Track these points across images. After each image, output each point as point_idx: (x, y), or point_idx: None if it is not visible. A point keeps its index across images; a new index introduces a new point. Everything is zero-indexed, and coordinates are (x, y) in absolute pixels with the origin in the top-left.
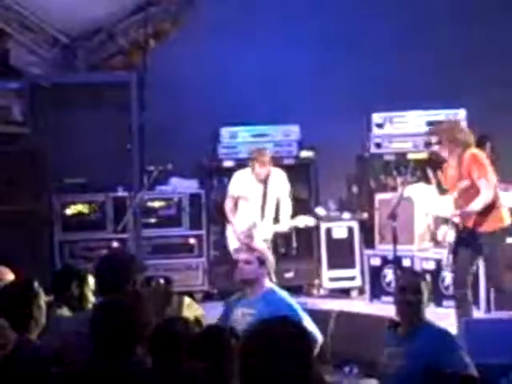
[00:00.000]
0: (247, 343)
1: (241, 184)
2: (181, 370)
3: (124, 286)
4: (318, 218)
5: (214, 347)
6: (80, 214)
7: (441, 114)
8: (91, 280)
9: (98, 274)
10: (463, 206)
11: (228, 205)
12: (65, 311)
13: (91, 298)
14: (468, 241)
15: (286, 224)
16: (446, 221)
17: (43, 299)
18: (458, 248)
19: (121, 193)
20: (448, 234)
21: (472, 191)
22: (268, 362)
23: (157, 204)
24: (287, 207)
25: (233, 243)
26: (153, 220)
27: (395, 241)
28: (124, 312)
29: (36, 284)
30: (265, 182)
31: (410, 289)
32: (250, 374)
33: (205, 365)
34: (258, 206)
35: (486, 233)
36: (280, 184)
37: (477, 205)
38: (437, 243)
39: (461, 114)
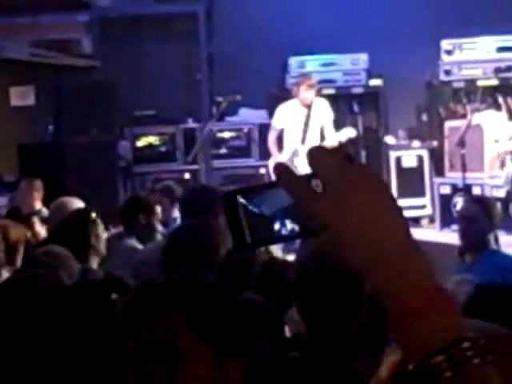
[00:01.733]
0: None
1: (283, 115)
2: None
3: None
4: (387, 146)
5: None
6: (151, 145)
7: (511, 40)
8: (158, 210)
9: (184, 201)
10: None
11: (271, 138)
12: (134, 241)
13: (159, 228)
14: None
15: (329, 140)
16: None
17: (101, 228)
18: None
19: (191, 124)
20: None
21: None
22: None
23: (226, 135)
24: (331, 137)
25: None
26: (223, 151)
27: (464, 168)
28: (198, 239)
29: (94, 213)
30: (308, 108)
31: (466, 217)
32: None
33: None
34: (299, 132)
35: None
36: (323, 112)
37: None
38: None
39: None
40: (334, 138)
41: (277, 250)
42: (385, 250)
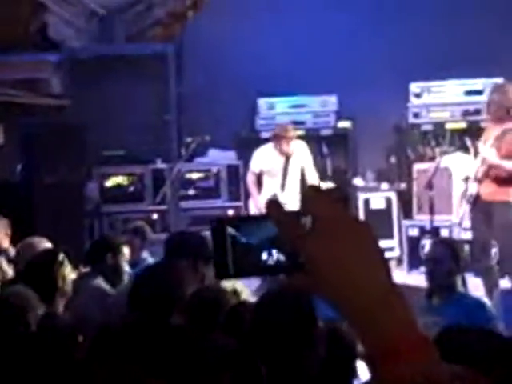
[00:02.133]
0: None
1: (262, 159)
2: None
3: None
4: (356, 188)
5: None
6: (119, 185)
7: (479, 83)
8: (126, 251)
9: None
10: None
11: (249, 179)
12: (100, 281)
13: (126, 269)
14: (483, 210)
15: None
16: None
17: (69, 269)
18: (476, 218)
19: (159, 164)
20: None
21: None
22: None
23: (195, 176)
24: (313, 177)
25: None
26: (191, 192)
27: (432, 211)
28: (163, 279)
29: (62, 254)
30: (287, 155)
31: (433, 259)
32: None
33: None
34: (279, 179)
35: (500, 202)
36: (302, 155)
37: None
38: None
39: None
40: (315, 181)
41: (244, 290)
42: (369, 295)
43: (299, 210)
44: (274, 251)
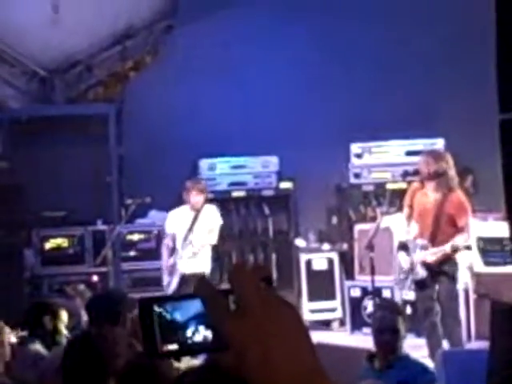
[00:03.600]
0: None
1: (173, 220)
2: None
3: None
4: (298, 249)
5: None
6: (59, 247)
7: (419, 144)
8: (64, 314)
9: (88, 308)
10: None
11: (164, 242)
12: (38, 346)
13: (64, 332)
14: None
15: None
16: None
17: (6, 336)
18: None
19: (100, 226)
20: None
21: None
22: None
23: (136, 237)
24: (210, 239)
25: (165, 278)
26: (132, 253)
27: (373, 272)
28: (94, 346)
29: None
30: (197, 212)
31: (387, 329)
32: None
33: None
34: (184, 231)
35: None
36: (211, 217)
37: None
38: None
39: (439, 144)
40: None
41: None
42: (290, 375)
43: (228, 289)
44: (202, 327)
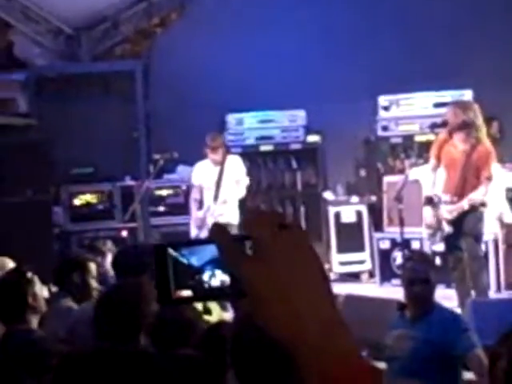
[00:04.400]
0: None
1: (199, 173)
2: (179, 358)
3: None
4: (326, 202)
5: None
6: (88, 203)
7: (447, 96)
8: (93, 268)
9: (115, 261)
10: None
11: (192, 195)
12: (68, 301)
13: (94, 285)
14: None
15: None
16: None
17: (39, 287)
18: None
19: (128, 182)
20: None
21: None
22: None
23: (164, 192)
24: (241, 192)
25: (193, 231)
26: (161, 208)
27: (402, 223)
28: (127, 299)
29: (30, 273)
30: (220, 166)
31: (419, 280)
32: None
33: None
34: (212, 190)
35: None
36: (235, 169)
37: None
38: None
39: (467, 95)
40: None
41: (216, 307)
42: (309, 323)
43: (243, 234)
44: (219, 272)
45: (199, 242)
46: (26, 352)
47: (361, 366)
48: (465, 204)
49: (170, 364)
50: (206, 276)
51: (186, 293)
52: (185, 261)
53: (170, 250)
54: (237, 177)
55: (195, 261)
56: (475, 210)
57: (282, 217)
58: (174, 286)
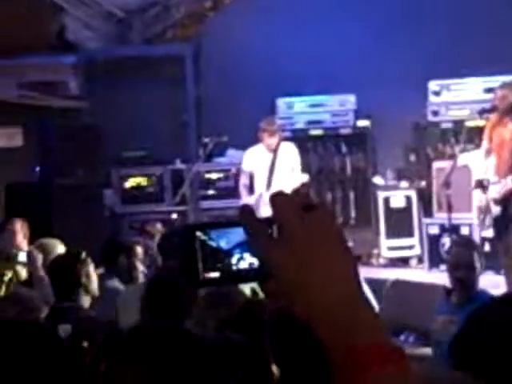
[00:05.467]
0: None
1: (251, 159)
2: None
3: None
4: (375, 187)
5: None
6: (138, 186)
7: (498, 81)
8: (139, 251)
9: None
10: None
11: (241, 180)
12: (116, 282)
13: (140, 268)
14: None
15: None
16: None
17: (92, 268)
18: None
19: (179, 165)
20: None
21: None
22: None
23: (214, 176)
24: (298, 180)
25: None
26: (211, 192)
27: (450, 209)
28: (175, 282)
29: (83, 253)
30: (274, 152)
31: (463, 265)
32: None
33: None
34: (265, 177)
35: None
36: (289, 156)
37: None
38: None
39: None
40: (288, 184)
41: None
42: (332, 301)
43: (271, 218)
44: (247, 255)
45: (228, 224)
46: (73, 329)
47: (389, 347)
48: (509, 181)
49: (217, 346)
50: (234, 259)
51: (214, 274)
52: (213, 244)
53: (199, 233)
54: (292, 164)
55: (224, 244)
56: None
57: (308, 198)
58: (202, 269)
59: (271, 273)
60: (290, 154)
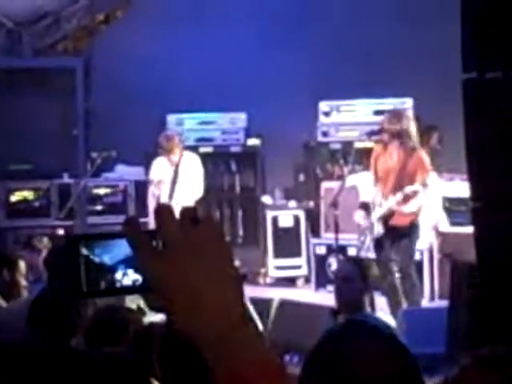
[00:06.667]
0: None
1: (156, 168)
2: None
3: None
4: (264, 206)
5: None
6: (25, 200)
7: (388, 103)
8: (22, 266)
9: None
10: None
11: (150, 191)
12: None
13: (23, 284)
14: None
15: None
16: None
17: None
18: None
19: (66, 179)
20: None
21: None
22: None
23: (102, 191)
24: (197, 192)
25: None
26: (99, 207)
27: (337, 229)
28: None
29: None
30: (176, 166)
31: (341, 277)
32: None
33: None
34: (168, 187)
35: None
36: (192, 167)
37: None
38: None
39: (408, 103)
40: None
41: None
42: (217, 320)
43: (155, 230)
44: (130, 271)
45: (112, 235)
46: None
47: (272, 365)
48: (397, 197)
49: (95, 361)
50: (118, 275)
51: (98, 287)
52: (97, 259)
53: (82, 247)
54: (194, 175)
55: (107, 259)
56: (412, 226)
57: (194, 211)
58: (86, 285)
59: (151, 287)
60: (192, 165)
